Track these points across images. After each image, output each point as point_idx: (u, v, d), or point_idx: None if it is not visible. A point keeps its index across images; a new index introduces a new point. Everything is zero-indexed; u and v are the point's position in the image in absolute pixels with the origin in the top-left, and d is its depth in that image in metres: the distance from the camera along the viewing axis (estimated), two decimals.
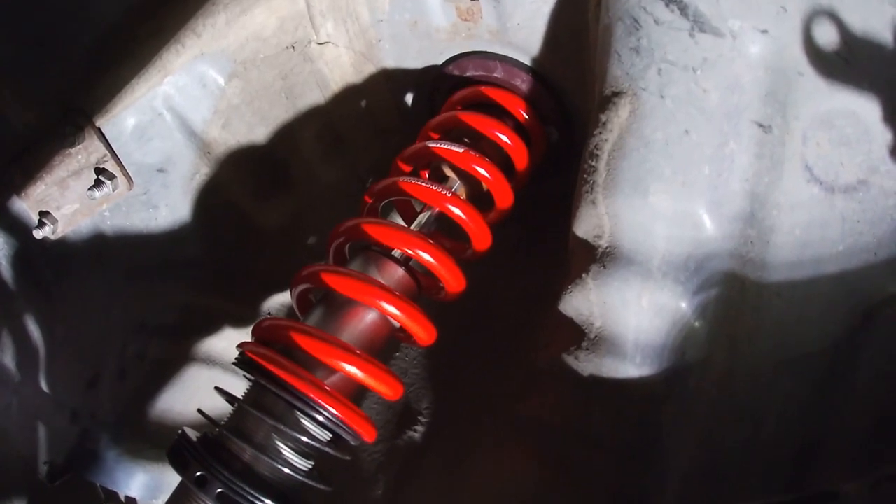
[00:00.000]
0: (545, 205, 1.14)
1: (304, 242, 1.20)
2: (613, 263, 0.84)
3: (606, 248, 0.85)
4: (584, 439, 0.90)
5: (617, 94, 0.85)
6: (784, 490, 0.89)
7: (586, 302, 0.86)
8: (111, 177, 1.15)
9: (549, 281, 1.02)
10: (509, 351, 1.03)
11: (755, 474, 0.90)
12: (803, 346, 0.88)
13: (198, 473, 0.79)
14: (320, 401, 0.80)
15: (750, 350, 0.87)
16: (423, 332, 0.89)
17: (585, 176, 0.87)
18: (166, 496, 0.84)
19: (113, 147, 1.14)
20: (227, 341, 1.16)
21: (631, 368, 0.86)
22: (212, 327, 1.15)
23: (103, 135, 1.15)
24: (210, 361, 1.15)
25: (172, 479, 0.88)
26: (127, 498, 1.21)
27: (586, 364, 0.88)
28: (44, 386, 1.28)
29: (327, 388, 0.81)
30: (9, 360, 1.36)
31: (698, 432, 0.89)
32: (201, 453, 0.81)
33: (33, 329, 1.31)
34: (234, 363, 0.87)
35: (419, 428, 1.04)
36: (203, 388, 1.12)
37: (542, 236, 1.13)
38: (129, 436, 1.13)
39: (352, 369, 0.81)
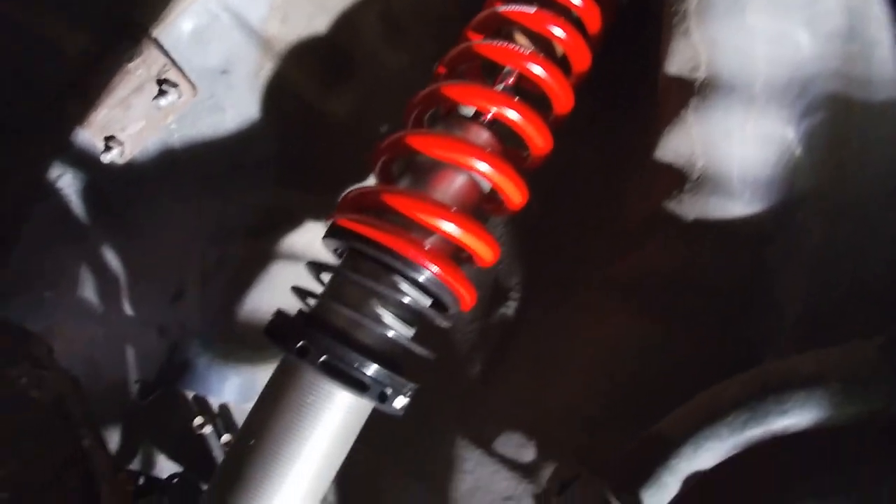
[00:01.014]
0: (617, 73, 1.09)
1: (373, 130, 1.17)
2: (714, 93, 0.80)
3: (704, 79, 0.80)
4: (690, 288, 0.87)
5: None
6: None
7: (687, 140, 0.82)
8: (174, 85, 1.14)
9: (627, 145, 0.98)
10: (594, 217, 0.99)
11: (865, 311, 0.86)
12: None
13: (299, 344, 0.77)
14: (420, 260, 0.78)
15: (858, 177, 0.82)
16: (517, 193, 0.85)
17: (674, 8, 0.82)
18: None
19: (172, 56, 1.13)
20: (309, 235, 1.14)
21: (739, 206, 0.82)
22: (291, 224, 1.14)
23: (160, 44, 1.13)
24: (294, 257, 1.14)
25: (265, 378, 0.87)
26: (221, 407, 1.22)
27: (690, 207, 0.84)
28: (128, 310, 1.29)
29: (427, 247, 0.78)
30: (90, 293, 1.37)
31: (808, 270, 0.85)
32: (300, 324, 0.80)
33: (111, 257, 1.32)
34: (324, 237, 0.85)
35: (511, 304, 1.02)
36: (289, 284, 1.11)
37: (615, 105, 1.08)
38: (219, 340, 1.13)
39: (449, 227, 0.79)
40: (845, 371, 0.66)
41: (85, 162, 1.27)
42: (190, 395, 1.24)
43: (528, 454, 0.99)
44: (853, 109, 0.81)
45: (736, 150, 0.80)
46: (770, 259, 0.83)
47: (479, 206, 0.90)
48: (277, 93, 1.12)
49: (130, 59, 1.15)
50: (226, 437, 1.20)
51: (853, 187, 0.83)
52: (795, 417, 0.64)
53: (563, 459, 0.95)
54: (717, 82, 0.80)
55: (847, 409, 0.65)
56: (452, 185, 0.84)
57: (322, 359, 0.76)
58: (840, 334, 0.85)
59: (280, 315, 0.82)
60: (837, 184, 0.82)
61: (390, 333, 0.79)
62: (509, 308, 1.02)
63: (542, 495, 0.77)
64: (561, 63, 0.98)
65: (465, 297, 0.83)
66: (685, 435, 0.68)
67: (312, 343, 0.77)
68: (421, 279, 0.79)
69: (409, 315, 0.82)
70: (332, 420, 0.78)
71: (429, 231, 0.81)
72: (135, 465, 1.34)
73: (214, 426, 1.21)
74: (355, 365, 0.76)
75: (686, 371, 0.85)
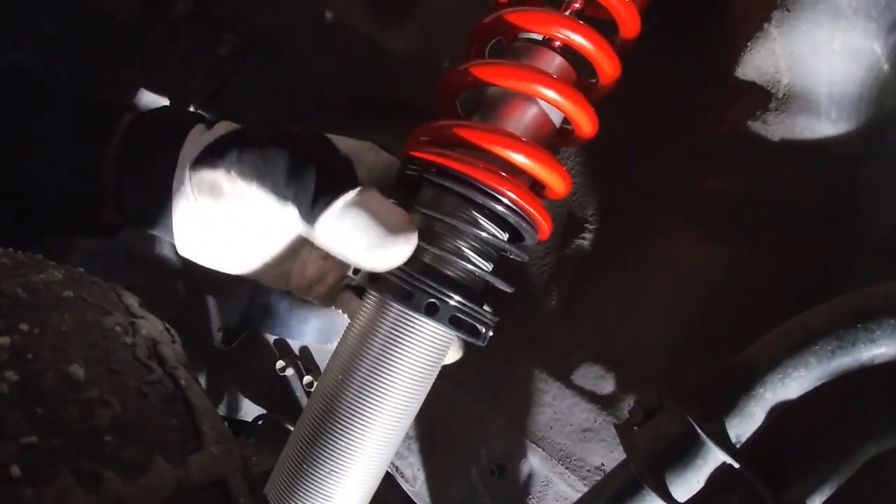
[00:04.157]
0: None
1: (440, 64, 1.15)
2: (798, 5, 0.75)
3: None
4: (771, 211, 0.84)
5: None
6: None
7: (771, 55, 0.78)
8: (234, 37, 1.14)
9: (701, 65, 0.94)
10: (668, 142, 0.96)
11: None
12: None
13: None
14: (498, 187, 0.76)
15: None
16: (588, 121, 0.83)
17: None
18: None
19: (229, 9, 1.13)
20: None
21: (826, 125, 0.78)
22: None
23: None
24: None
25: (345, 319, 0.89)
26: (302, 349, 1.26)
27: (776, 126, 0.80)
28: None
29: (503, 174, 0.77)
30: (167, 250, 1.41)
31: None
32: None
33: None
34: (397, 177, 0.85)
35: (586, 235, 1.00)
36: None
37: (685, 22, 1.02)
38: None
39: (519, 157, 0.77)
40: None
41: None
42: (271, 338, 1.27)
43: (607, 386, 0.99)
44: None
45: (823, 66, 0.76)
46: (857, 182, 0.79)
47: (551, 138, 0.88)
48: (341, 39, 1.10)
49: (186, 17, 1.16)
50: (307, 379, 1.24)
51: None
52: (884, 347, 0.61)
53: (644, 389, 0.94)
54: None
55: None
56: (523, 117, 0.82)
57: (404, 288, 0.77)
58: None
59: None
60: None
61: (470, 266, 0.79)
62: (585, 240, 1.01)
63: (623, 424, 0.76)
64: None
65: (543, 225, 0.82)
66: (773, 363, 0.66)
67: (393, 275, 0.78)
68: (499, 208, 0.78)
69: (487, 248, 0.82)
70: (416, 352, 0.79)
71: (501, 163, 0.79)
72: (221, 411, 1.40)
73: (296, 368, 1.25)
74: (438, 296, 0.77)
75: (766, 296, 0.83)
